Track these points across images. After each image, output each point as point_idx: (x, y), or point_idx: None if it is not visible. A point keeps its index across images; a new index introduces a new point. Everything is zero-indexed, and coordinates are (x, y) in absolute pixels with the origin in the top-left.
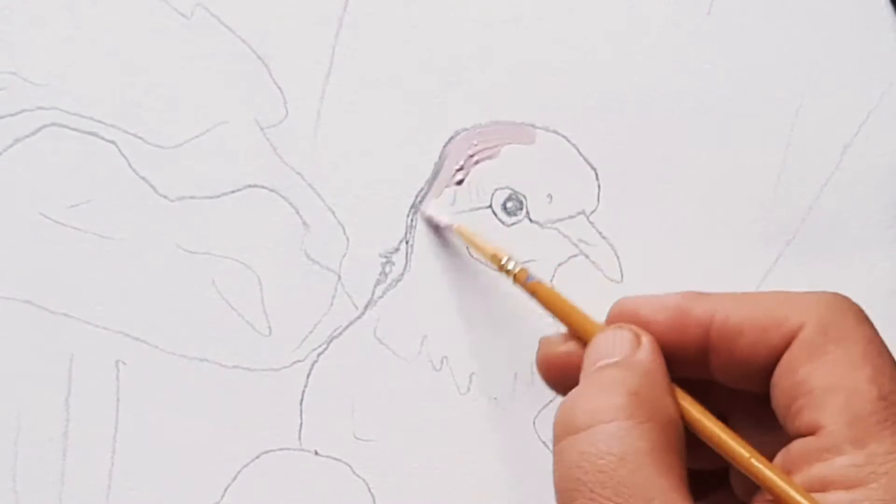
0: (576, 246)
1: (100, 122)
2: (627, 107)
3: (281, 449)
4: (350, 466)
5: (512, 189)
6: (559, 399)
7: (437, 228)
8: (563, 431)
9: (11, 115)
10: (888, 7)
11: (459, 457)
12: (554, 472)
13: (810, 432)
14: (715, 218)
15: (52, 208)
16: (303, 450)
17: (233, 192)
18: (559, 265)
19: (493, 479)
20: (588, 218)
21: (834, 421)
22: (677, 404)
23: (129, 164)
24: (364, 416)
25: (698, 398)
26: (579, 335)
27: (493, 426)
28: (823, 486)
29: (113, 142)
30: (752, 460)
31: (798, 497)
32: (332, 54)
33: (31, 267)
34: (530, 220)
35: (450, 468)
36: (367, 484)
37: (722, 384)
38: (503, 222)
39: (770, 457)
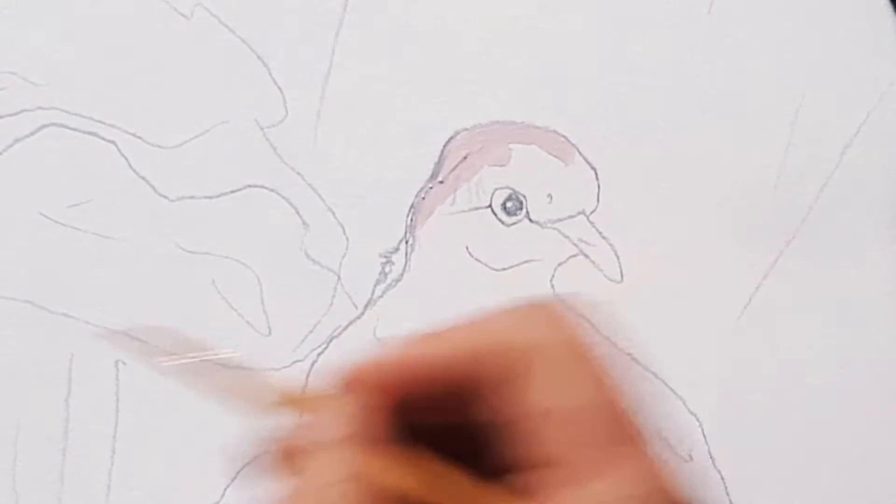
0: (576, 246)
1: (100, 122)
2: (627, 107)
3: None
4: None
5: (512, 189)
6: None
7: None
8: None
9: (11, 115)
10: (888, 7)
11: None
12: None
13: None
14: (715, 218)
15: (52, 208)
16: None
17: (233, 192)
18: (559, 265)
19: None
20: (588, 218)
21: None
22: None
23: (129, 164)
24: None
25: None
26: None
27: None
28: None
29: (113, 142)
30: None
31: None
32: (332, 54)
33: (31, 267)
34: (530, 219)
35: None
36: None
37: None
38: (503, 222)
39: None
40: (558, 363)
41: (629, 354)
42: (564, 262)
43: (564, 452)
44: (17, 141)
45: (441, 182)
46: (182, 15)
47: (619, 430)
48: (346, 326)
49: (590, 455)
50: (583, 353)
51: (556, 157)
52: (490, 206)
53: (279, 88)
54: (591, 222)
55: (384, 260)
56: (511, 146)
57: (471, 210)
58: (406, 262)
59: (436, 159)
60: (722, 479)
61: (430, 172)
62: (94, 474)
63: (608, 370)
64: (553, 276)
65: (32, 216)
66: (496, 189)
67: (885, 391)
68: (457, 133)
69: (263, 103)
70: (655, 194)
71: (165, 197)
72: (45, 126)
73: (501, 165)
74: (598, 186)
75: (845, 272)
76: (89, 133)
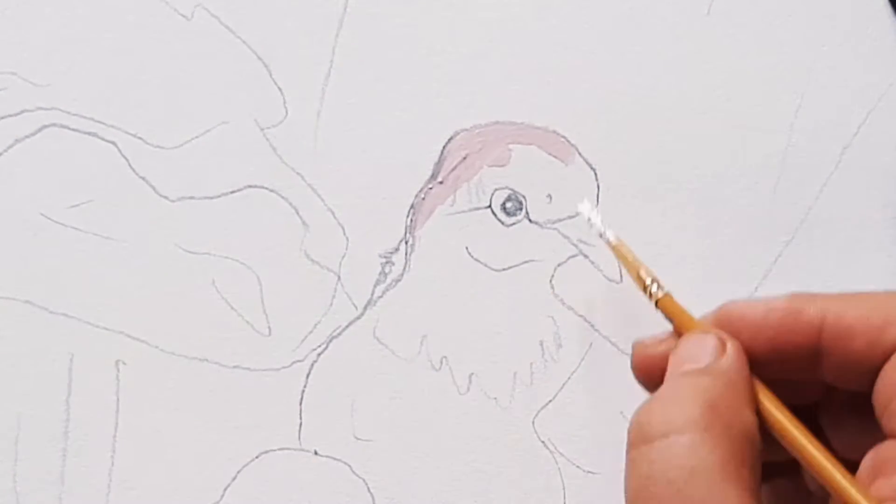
0: (575, 246)
1: (100, 122)
2: (627, 107)
3: (281, 449)
4: (350, 466)
5: (511, 189)
6: (559, 399)
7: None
8: (638, 439)
9: (12, 115)
10: (888, 7)
11: (459, 457)
12: (625, 478)
13: None
14: (715, 218)
15: (52, 208)
16: (303, 450)
17: (233, 192)
18: (559, 265)
19: (492, 479)
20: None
21: None
22: (756, 415)
23: (130, 165)
24: (364, 416)
25: (789, 390)
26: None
27: (492, 426)
28: None
29: (113, 142)
30: (834, 472)
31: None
32: (332, 54)
33: (31, 267)
34: (530, 220)
35: (450, 468)
36: (366, 484)
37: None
38: (502, 222)
39: (861, 453)
40: None
41: (627, 355)
42: (564, 262)
43: None
44: (17, 141)
45: (441, 182)
46: (182, 16)
47: None
48: (347, 326)
49: None
50: None
51: (555, 157)
52: (490, 206)
53: (279, 89)
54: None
55: (384, 260)
56: (511, 146)
57: (471, 210)
58: (406, 263)
59: (436, 159)
60: None
61: (430, 172)
62: (94, 474)
63: None
64: (553, 276)
65: (32, 216)
66: (496, 189)
67: None
68: (457, 133)
69: (263, 103)
70: (655, 194)
71: (166, 197)
72: (45, 126)
73: (501, 166)
74: (598, 186)
75: (845, 272)
76: (89, 133)
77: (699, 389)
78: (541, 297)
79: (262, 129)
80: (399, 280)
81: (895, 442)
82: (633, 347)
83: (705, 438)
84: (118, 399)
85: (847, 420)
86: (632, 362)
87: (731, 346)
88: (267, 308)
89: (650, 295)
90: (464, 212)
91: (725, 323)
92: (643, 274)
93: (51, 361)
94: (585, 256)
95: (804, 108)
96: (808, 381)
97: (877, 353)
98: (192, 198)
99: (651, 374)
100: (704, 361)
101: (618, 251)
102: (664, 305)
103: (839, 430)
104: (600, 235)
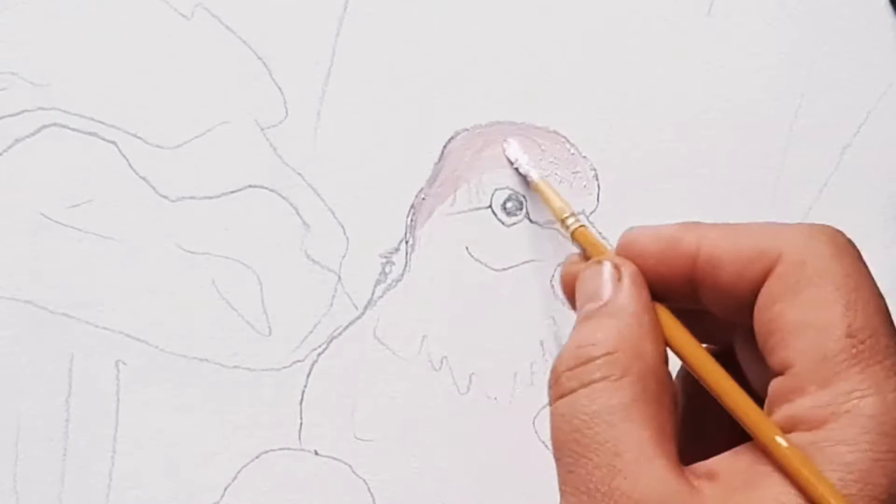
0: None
1: (100, 122)
2: (627, 107)
3: (281, 449)
4: (350, 466)
5: (512, 189)
6: None
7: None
8: (553, 395)
9: (12, 115)
10: (888, 7)
11: (459, 457)
12: (551, 434)
13: (781, 371)
14: (715, 218)
15: (52, 208)
16: (303, 450)
17: (233, 192)
18: (559, 265)
19: (492, 479)
20: (588, 218)
21: (802, 360)
22: (662, 346)
23: (130, 165)
24: (364, 416)
25: (702, 326)
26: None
27: (492, 426)
28: (791, 427)
29: (113, 142)
30: (731, 394)
31: (770, 436)
32: (332, 54)
33: (31, 267)
34: (530, 220)
35: (450, 468)
36: (367, 484)
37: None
38: (503, 222)
39: (764, 392)
40: (830, 285)
41: None
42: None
43: (799, 363)
44: (17, 141)
45: (441, 182)
46: (182, 15)
47: (854, 351)
48: (347, 326)
49: (820, 369)
50: (854, 281)
51: (556, 156)
52: (490, 206)
53: (279, 88)
54: (591, 223)
55: (384, 260)
56: (511, 146)
57: (471, 210)
58: (406, 263)
59: (436, 159)
60: None
61: (430, 172)
62: (94, 474)
63: (869, 300)
64: (553, 276)
65: (33, 216)
66: (496, 189)
67: None
68: (457, 133)
69: (263, 103)
70: (655, 194)
71: (166, 197)
72: (45, 126)
73: (501, 166)
74: (598, 186)
75: None
76: (90, 133)
77: (598, 335)
78: (541, 297)
79: (262, 129)
80: (399, 280)
81: (776, 379)
82: (562, 267)
83: (605, 385)
84: (118, 399)
85: (754, 355)
86: (560, 279)
87: (626, 273)
88: (267, 308)
89: (567, 227)
90: (464, 212)
91: (626, 250)
92: (561, 206)
93: (51, 361)
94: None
95: (804, 108)
96: (715, 315)
97: (744, 285)
98: (192, 198)
99: (572, 293)
100: (604, 295)
101: (538, 188)
102: (578, 236)
103: (750, 366)
104: (524, 175)
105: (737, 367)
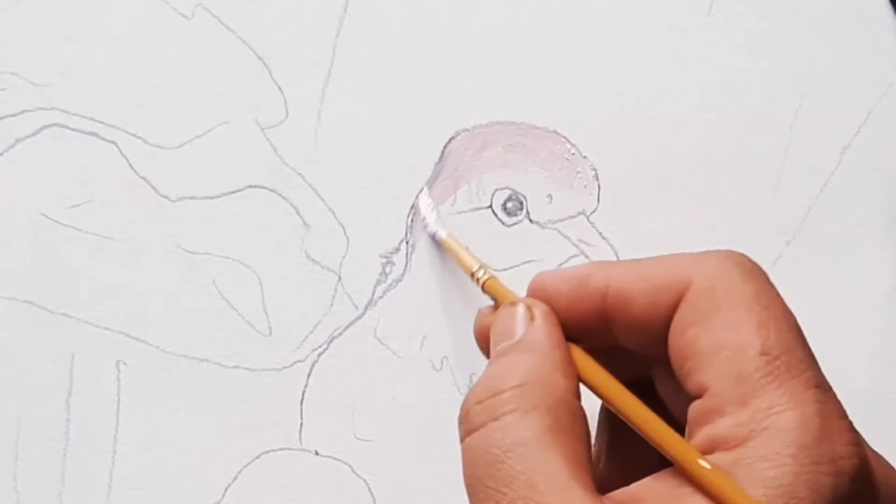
0: (576, 246)
1: (100, 122)
2: (627, 107)
3: (281, 449)
4: (350, 466)
5: (512, 189)
6: None
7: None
8: (463, 432)
9: (12, 115)
10: (888, 7)
11: (459, 457)
12: (463, 471)
13: (699, 395)
14: (715, 218)
15: (52, 208)
16: (303, 450)
17: (233, 192)
18: (559, 265)
19: None
20: (588, 218)
21: (718, 381)
22: (573, 381)
23: (130, 165)
24: (364, 416)
25: (619, 362)
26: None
27: None
28: (712, 448)
29: (113, 142)
30: (649, 421)
31: (691, 458)
32: (332, 54)
33: (31, 267)
34: (530, 220)
35: (450, 468)
36: (367, 484)
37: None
38: (503, 222)
39: (685, 419)
40: (740, 307)
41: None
42: (564, 262)
43: (716, 384)
44: (17, 141)
45: (441, 182)
46: (182, 15)
47: (769, 368)
48: (347, 327)
49: (737, 388)
50: (764, 301)
51: (556, 157)
52: (490, 206)
53: (279, 88)
54: (591, 223)
55: (385, 260)
56: (511, 146)
57: (471, 210)
58: (407, 263)
59: (436, 159)
60: None
61: (430, 172)
62: (94, 474)
63: (781, 318)
64: None
65: (33, 216)
66: (496, 189)
67: (884, 391)
68: (457, 133)
69: (263, 103)
70: (655, 194)
71: (166, 197)
72: (45, 126)
73: (502, 166)
74: (598, 186)
75: (845, 272)
76: (90, 133)
77: (511, 370)
78: None
79: (262, 129)
80: (400, 280)
81: (695, 402)
82: (476, 318)
83: (517, 418)
84: (118, 399)
85: (672, 385)
86: (474, 331)
87: (539, 313)
88: (267, 308)
89: (477, 280)
90: (464, 212)
91: (538, 293)
92: (470, 262)
93: (51, 361)
94: (586, 256)
95: (804, 108)
96: (631, 350)
97: (656, 315)
98: (192, 198)
99: (487, 343)
100: (517, 333)
101: (446, 245)
102: (489, 287)
103: (670, 396)
104: (431, 233)
105: (657, 399)
